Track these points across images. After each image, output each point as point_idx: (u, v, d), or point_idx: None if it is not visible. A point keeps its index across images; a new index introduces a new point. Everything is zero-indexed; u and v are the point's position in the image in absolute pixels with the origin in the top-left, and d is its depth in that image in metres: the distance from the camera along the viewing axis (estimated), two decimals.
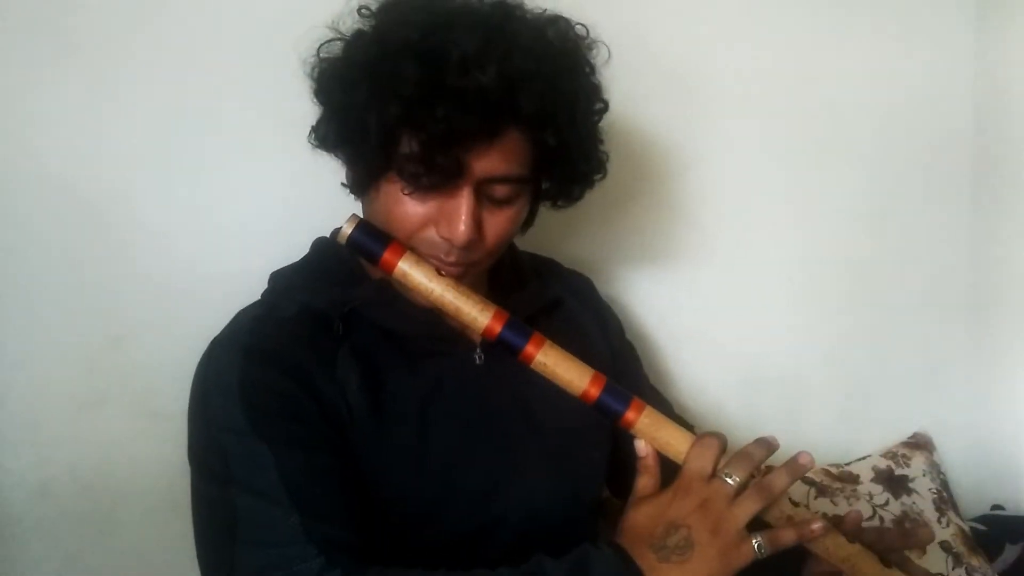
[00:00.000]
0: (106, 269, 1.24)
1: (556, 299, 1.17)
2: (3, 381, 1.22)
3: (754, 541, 0.87)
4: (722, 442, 0.94)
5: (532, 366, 0.96)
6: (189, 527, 1.24)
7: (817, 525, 0.90)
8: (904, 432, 1.82)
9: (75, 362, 1.24)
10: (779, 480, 0.91)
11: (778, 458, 1.64)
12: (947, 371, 1.86)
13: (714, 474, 0.90)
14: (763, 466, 0.94)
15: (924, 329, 1.83)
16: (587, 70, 0.98)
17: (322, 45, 0.96)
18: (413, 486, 0.96)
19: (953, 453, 1.85)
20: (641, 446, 0.96)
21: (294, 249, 1.13)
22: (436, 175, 0.87)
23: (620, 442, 1.09)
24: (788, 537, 0.88)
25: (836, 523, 0.95)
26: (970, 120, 1.78)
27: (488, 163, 0.89)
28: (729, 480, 0.89)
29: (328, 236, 1.10)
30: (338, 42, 0.95)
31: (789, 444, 1.68)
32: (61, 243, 1.22)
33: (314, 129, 0.99)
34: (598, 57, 1.00)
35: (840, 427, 1.78)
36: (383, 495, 0.95)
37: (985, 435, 1.87)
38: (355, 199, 1.02)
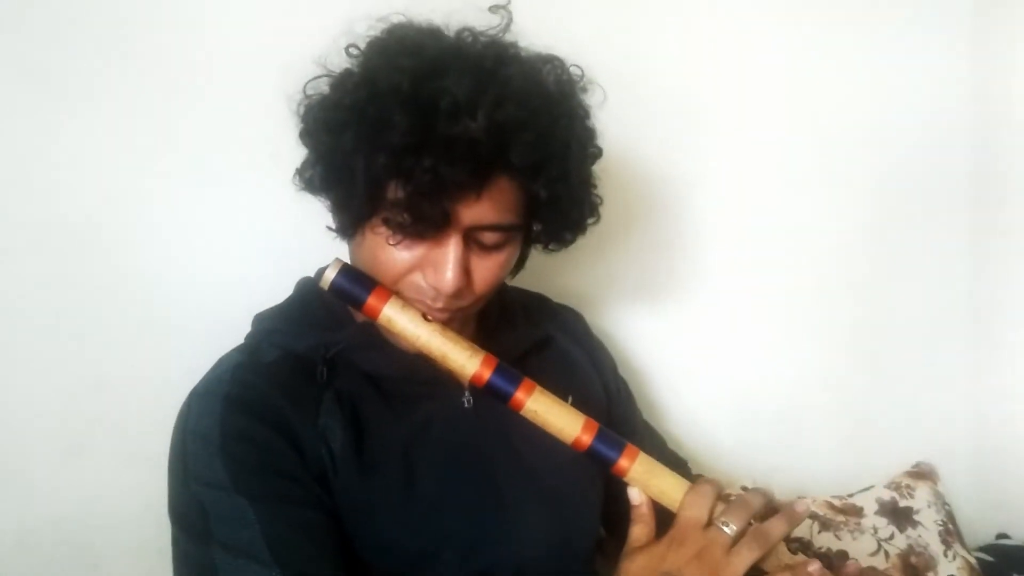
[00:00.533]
0: (85, 314, 1.22)
1: (546, 337, 1.15)
2: None
3: None
4: (717, 489, 0.92)
5: (522, 413, 0.94)
6: None
7: (814, 567, 0.87)
8: (907, 460, 1.79)
9: (55, 409, 1.21)
10: (776, 528, 0.88)
11: (790, 485, 1.64)
12: (950, 397, 1.85)
13: (710, 522, 0.88)
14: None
15: (925, 354, 1.81)
16: (581, 114, 0.95)
17: (309, 82, 0.94)
18: (399, 536, 0.93)
19: (957, 481, 1.82)
20: (635, 494, 0.94)
21: (280, 290, 1.11)
22: (423, 224, 0.84)
23: (610, 484, 1.06)
24: None
25: (835, 570, 0.92)
26: (967, 142, 1.77)
27: (477, 212, 0.86)
28: (726, 529, 0.87)
29: (312, 276, 1.08)
30: (325, 79, 0.93)
31: (791, 474, 1.68)
32: (38, 288, 1.19)
33: (299, 172, 0.97)
34: (593, 98, 0.98)
35: (842, 456, 1.76)
36: (368, 546, 0.93)
37: (989, 463, 1.86)
38: (341, 241, 1.00)
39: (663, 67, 1.50)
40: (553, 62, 0.94)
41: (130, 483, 1.23)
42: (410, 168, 0.80)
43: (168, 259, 1.25)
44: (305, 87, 0.94)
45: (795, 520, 0.90)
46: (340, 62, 0.93)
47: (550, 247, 1.02)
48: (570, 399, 0.97)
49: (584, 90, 0.97)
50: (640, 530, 0.92)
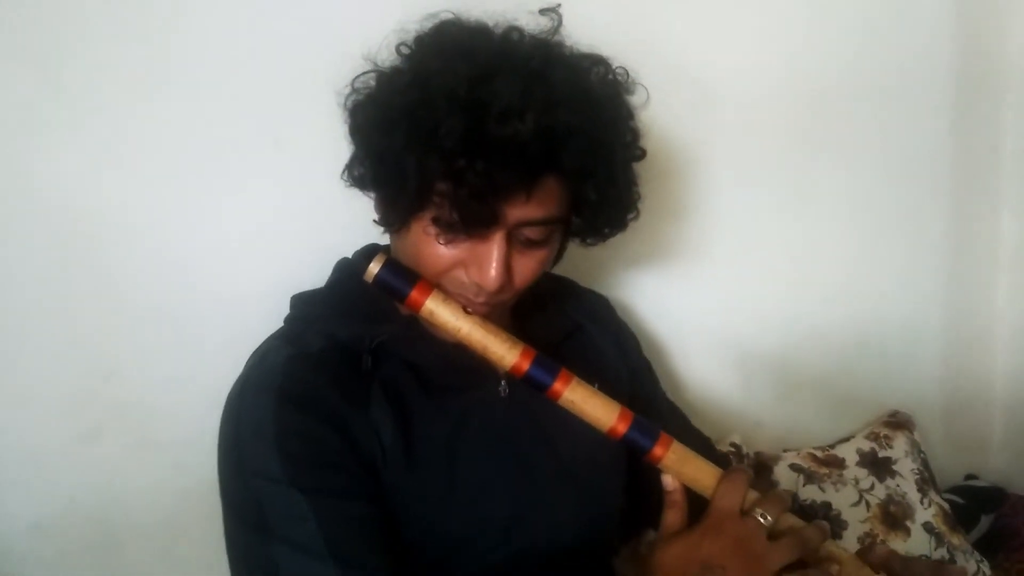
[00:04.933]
0: (96, 298, 1.20)
1: (577, 324, 1.17)
2: None
3: None
4: (749, 477, 0.95)
5: (560, 403, 0.96)
6: (192, 555, 1.24)
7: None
8: (883, 407, 1.86)
9: (69, 395, 1.20)
10: (814, 536, 0.92)
11: (773, 437, 1.69)
12: (923, 348, 1.91)
13: (744, 511, 0.92)
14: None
15: (902, 307, 1.86)
16: (626, 116, 0.97)
17: (357, 77, 0.95)
18: (444, 520, 0.96)
19: (928, 425, 1.90)
20: (668, 481, 0.97)
21: (294, 273, 1.12)
22: (471, 224, 0.86)
23: (638, 468, 1.09)
24: None
25: (864, 552, 0.96)
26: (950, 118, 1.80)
27: (524, 210, 0.88)
28: (763, 520, 0.90)
29: (350, 258, 1.09)
30: (372, 75, 0.94)
31: (776, 425, 1.73)
32: (48, 273, 1.17)
33: (347, 168, 0.98)
34: (637, 97, 1.00)
35: (824, 406, 1.82)
36: (416, 530, 0.95)
37: (958, 407, 1.94)
38: (382, 233, 1.01)
39: (667, 33, 1.50)
40: (599, 64, 0.96)
41: (144, 467, 1.24)
42: (463, 171, 0.82)
43: (178, 247, 1.23)
44: (354, 82, 0.95)
45: (826, 533, 0.93)
46: (388, 60, 0.94)
47: (588, 241, 1.04)
48: (596, 386, 1.00)
49: (629, 92, 0.98)
50: (674, 516, 0.95)
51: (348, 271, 1.07)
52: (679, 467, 0.96)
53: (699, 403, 1.67)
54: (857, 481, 1.64)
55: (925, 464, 1.74)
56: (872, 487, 1.64)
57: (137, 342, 1.22)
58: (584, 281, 1.35)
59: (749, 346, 1.71)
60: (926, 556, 1.58)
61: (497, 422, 1.02)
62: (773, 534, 0.90)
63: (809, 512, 1.58)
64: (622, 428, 0.95)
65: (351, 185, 0.98)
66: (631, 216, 1.03)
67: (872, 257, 1.79)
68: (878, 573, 0.94)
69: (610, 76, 0.96)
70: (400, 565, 0.91)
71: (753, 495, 0.94)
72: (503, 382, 1.03)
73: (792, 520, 0.94)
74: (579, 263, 1.33)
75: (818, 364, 1.79)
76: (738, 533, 0.89)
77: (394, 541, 0.93)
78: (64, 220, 1.16)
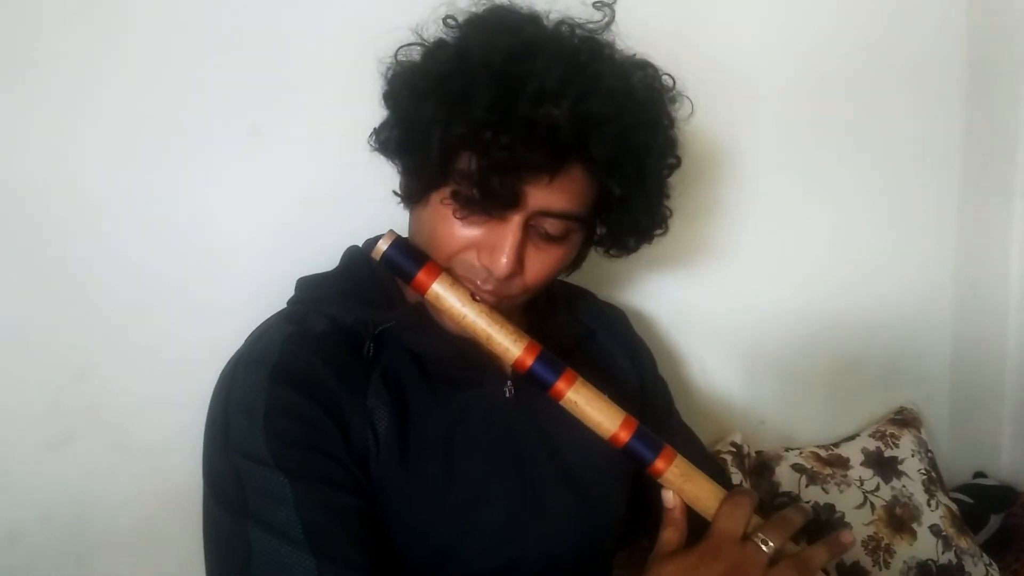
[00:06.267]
0: (66, 295, 1.14)
1: (589, 332, 1.14)
2: None
3: None
4: (754, 500, 0.90)
5: (562, 403, 0.92)
6: (170, 563, 1.20)
7: None
8: (890, 403, 1.82)
9: (39, 399, 1.14)
10: (818, 557, 0.87)
11: (776, 434, 1.64)
12: (932, 342, 1.87)
13: (746, 536, 0.87)
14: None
15: (912, 301, 1.83)
16: (665, 123, 0.95)
17: (401, 48, 0.94)
18: (435, 521, 0.93)
19: (936, 420, 1.88)
20: (669, 497, 0.92)
21: (275, 272, 1.09)
22: (490, 201, 0.84)
23: (642, 482, 1.05)
24: None
25: None
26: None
27: (546, 197, 0.85)
28: (763, 547, 0.85)
29: (360, 246, 1.06)
30: (417, 47, 0.92)
31: (785, 422, 1.69)
32: (15, 271, 1.11)
33: (376, 132, 0.96)
34: (680, 110, 0.98)
35: (829, 403, 1.79)
36: (403, 530, 0.92)
37: (968, 403, 1.89)
38: (403, 207, 0.99)
39: (695, 33, 1.47)
40: (646, 68, 0.94)
41: (119, 471, 1.19)
42: (487, 143, 0.81)
43: (153, 243, 1.17)
44: (397, 52, 0.94)
45: (837, 551, 0.89)
46: (435, 33, 0.93)
47: (611, 252, 1.02)
48: (607, 394, 0.95)
49: (673, 100, 0.97)
50: (671, 534, 0.91)
51: (357, 257, 1.05)
52: (681, 484, 0.91)
53: (701, 400, 1.63)
54: (862, 482, 1.60)
55: (932, 464, 1.69)
56: (877, 488, 1.59)
57: (110, 341, 1.17)
58: (592, 276, 1.29)
59: (753, 342, 1.67)
60: (932, 560, 1.53)
61: (499, 422, 0.98)
62: (775, 561, 0.85)
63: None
64: (624, 436, 0.91)
65: (375, 149, 0.96)
66: (659, 231, 1.01)
67: (880, 250, 1.77)
68: None
69: (656, 84, 0.95)
70: (382, 565, 0.88)
71: (757, 519, 0.89)
72: (509, 382, 1.00)
73: (797, 547, 0.89)
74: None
75: (824, 360, 1.76)
76: (736, 559, 0.84)
77: (378, 539, 0.89)
78: (31, 212, 1.11)
